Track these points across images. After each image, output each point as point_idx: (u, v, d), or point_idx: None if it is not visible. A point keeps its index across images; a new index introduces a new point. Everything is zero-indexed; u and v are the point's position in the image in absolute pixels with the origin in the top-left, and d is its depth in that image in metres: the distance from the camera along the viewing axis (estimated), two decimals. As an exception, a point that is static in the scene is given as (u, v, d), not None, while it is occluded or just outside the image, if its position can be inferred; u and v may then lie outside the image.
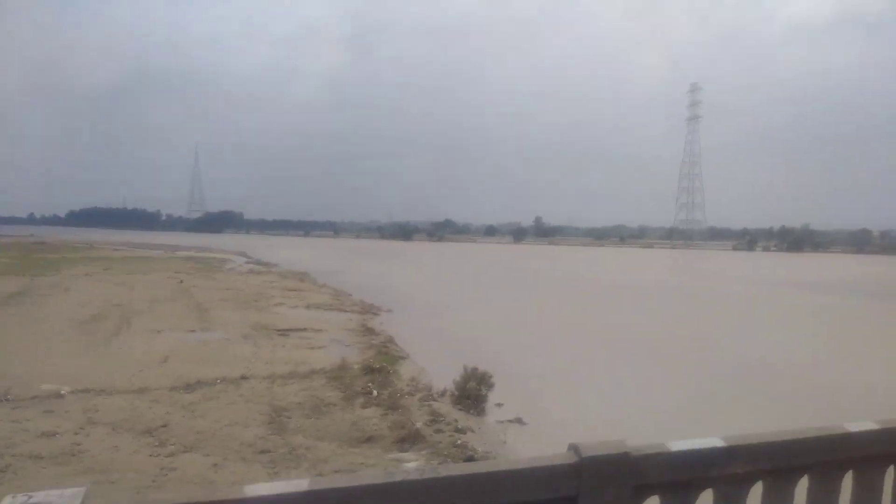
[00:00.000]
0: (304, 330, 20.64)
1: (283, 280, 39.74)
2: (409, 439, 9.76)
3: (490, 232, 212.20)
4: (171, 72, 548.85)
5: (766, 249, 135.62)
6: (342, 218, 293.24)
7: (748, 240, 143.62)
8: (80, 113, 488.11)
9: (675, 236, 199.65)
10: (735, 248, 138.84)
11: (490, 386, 12.96)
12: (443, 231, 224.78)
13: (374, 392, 12.65)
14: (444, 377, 13.44)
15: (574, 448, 1.99)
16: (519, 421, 11.90)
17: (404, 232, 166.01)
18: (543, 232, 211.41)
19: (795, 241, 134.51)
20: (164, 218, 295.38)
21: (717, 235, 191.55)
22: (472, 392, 12.64)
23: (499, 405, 12.76)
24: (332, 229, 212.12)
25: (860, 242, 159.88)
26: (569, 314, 28.35)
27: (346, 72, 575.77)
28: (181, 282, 34.89)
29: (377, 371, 14.33)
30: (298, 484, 1.79)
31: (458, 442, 9.97)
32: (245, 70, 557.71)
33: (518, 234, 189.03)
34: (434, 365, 15.78)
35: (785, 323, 27.35)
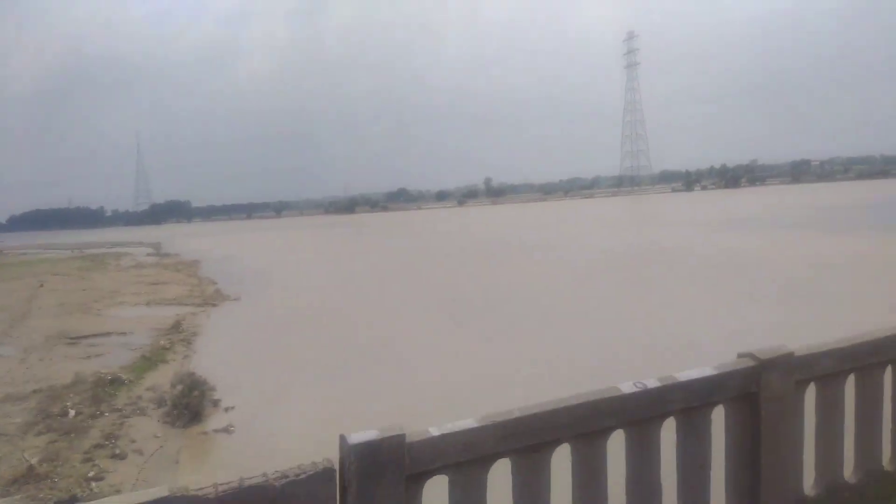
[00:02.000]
0: (108, 335, 18.86)
1: (161, 272, 37.62)
2: (21, 479, 8.19)
3: (441, 197, 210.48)
4: (112, 60, 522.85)
5: (704, 188, 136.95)
6: (298, 196, 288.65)
7: (687, 181, 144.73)
8: (17, 113, 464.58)
9: (625, 183, 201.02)
10: (674, 190, 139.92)
11: (212, 390, 11.49)
12: (397, 200, 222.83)
13: (72, 413, 11.04)
14: (221, 377, 12.14)
15: None
16: (227, 430, 10.43)
17: (348, 206, 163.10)
18: (494, 192, 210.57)
19: (733, 177, 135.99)
20: (108, 214, 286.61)
21: (665, 179, 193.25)
22: (190, 401, 11.12)
23: (228, 409, 11.28)
24: (278, 209, 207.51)
25: (799, 173, 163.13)
26: (417, 284, 26.98)
27: (294, 47, 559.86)
28: (41, 286, 32.65)
29: (110, 383, 12.70)
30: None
31: (91, 475, 8.44)
32: (189, 52, 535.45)
33: (462, 197, 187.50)
34: (220, 363, 14.37)
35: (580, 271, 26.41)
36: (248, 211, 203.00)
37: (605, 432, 2.76)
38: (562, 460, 2.77)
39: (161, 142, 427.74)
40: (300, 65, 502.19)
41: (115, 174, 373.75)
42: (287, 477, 1.98)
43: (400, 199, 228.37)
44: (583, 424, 2.65)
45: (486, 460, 2.48)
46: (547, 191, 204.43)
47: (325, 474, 2.04)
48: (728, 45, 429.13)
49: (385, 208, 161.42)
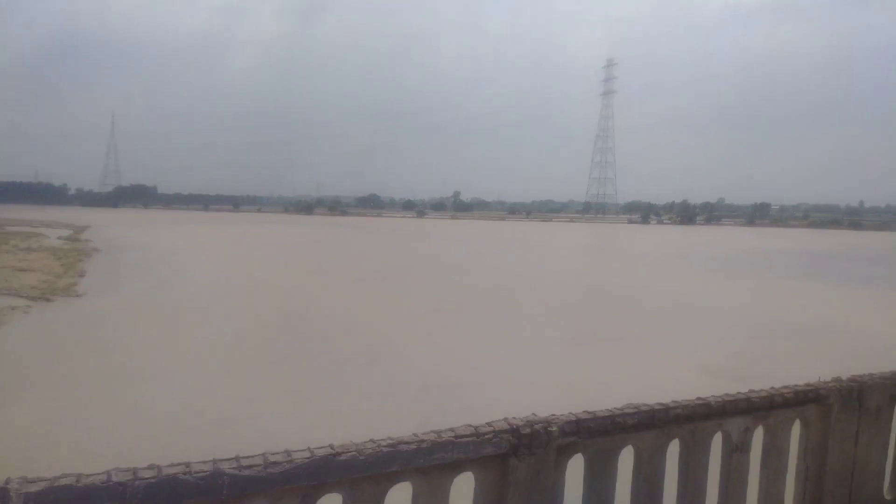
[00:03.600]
0: None
1: (43, 258, 36.39)
2: None
3: (408, 206, 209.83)
4: (102, 40, 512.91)
5: (660, 222, 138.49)
6: (272, 193, 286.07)
7: (644, 213, 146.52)
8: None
9: (593, 210, 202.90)
10: (630, 222, 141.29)
11: None
12: (366, 205, 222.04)
13: None
14: None
15: None
16: None
17: (306, 207, 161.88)
18: (461, 206, 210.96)
19: (688, 215, 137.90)
20: (72, 192, 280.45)
21: (631, 209, 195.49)
22: None
23: None
24: (237, 204, 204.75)
25: (757, 216, 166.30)
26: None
27: (285, 44, 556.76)
28: None
29: None
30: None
31: None
32: (180, 39, 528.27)
33: (428, 208, 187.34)
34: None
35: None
36: (207, 202, 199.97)
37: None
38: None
39: (142, 126, 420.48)
40: (289, 64, 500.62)
41: (92, 154, 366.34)
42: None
43: (369, 204, 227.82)
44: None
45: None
46: (514, 210, 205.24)
47: None
48: (710, 82, 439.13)
49: (343, 212, 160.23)
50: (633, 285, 28.88)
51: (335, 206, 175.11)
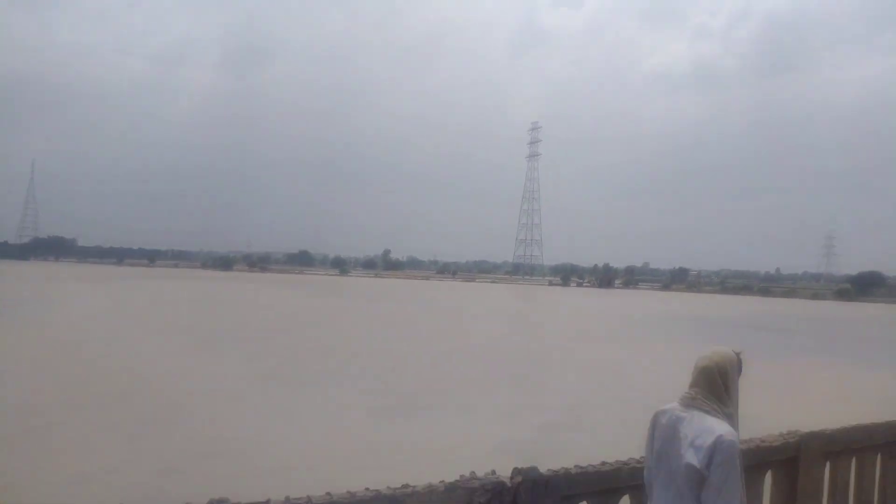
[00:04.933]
0: None
1: None
2: None
3: (337, 264, 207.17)
4: (28, 83, 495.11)
5: (579, 285, 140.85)
6: (201, 247, 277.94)
7: (561, 275, 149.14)
8: None
9: (522, 271, 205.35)
10: (551, 284, 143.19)
11: None
12: (296, 262, 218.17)
13: None
14: None
15: None
16: None
17: (225, 262, 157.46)
18: (391, 265, 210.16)
19: (607, 278, 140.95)
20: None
21: (557, 271, 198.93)
22: None
23: None
24: (152, 258, 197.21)
25: (675, 281, 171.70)
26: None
27: (222, 97, 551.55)
28: None
29: None
30: None
31: None
32: (115, 85, 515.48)
33: (357, 266, 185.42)
34: None
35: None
36: (125, 256, 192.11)
37: None
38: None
39: (67, 176, 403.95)
40: (225, 117, 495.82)
41: (13, 203, 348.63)
42: None
43: (299, 261, 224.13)
44: None
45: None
46: (445, 269, 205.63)
47: None
48: (639, 147, 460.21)
49: (263, 269, 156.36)
50: (490, 345, 27.86)
51: (255, 263, 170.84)
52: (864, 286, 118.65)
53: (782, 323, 51.95)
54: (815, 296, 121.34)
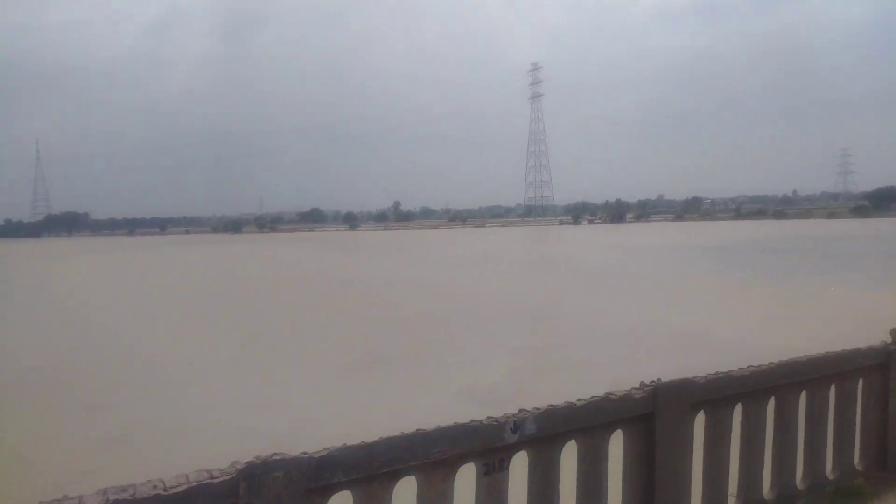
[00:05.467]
0: None
1: None
2: None
3: (349, 219, 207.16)
4: (25, 66, 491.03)
5: (591, 222, 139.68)
6: (213, 212, 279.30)
7: (575, 214, 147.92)
8: None
9: (534, 213, 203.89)
10: (562, 223, 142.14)
11: None
12: (308, 220, 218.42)
13: None
14: None
15: None
16: None
17: (235, 225, 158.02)
18: (402, 216, 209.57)
19: (618, 213, 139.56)
20: (1, 223, 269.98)
21: (568, 211, 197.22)
22: None
23: None
24: (163, 226, 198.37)
25: (689, 210, 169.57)
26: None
27: (219, 62, 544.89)
28: None
29: None
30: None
31: None
32: (108, 62, 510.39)
33: (368, 220, 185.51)
34: None
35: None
36: (137, 226, 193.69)
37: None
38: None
39: (74, 151, 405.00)
40: (225, 82, 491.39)
41: (24, 182, 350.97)
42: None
43: (311, 219, 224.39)
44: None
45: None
46: (457, 217, 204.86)
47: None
48: (642, 80, 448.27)
49: (273, 229, 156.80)
50: (482, 292, 27.50)
51: (265, 224, 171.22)
52: (881, 202, 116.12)
53: (791, 245, 50.98)
54: (832, 215, 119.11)
